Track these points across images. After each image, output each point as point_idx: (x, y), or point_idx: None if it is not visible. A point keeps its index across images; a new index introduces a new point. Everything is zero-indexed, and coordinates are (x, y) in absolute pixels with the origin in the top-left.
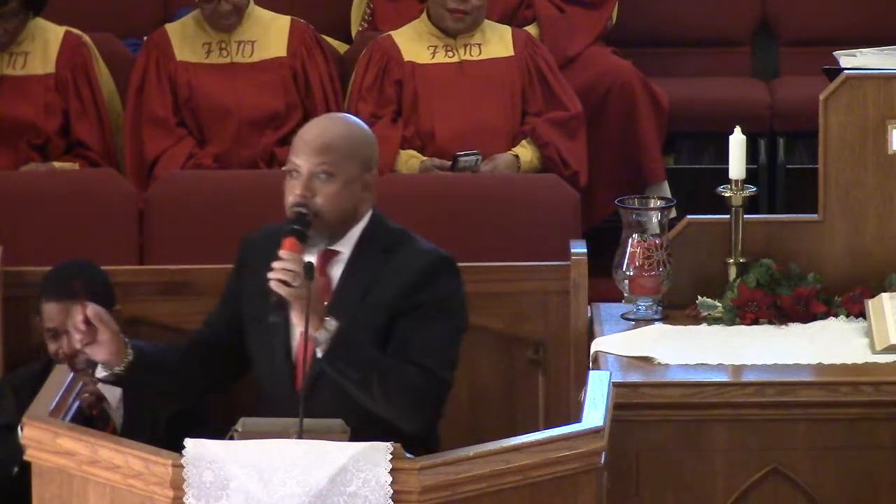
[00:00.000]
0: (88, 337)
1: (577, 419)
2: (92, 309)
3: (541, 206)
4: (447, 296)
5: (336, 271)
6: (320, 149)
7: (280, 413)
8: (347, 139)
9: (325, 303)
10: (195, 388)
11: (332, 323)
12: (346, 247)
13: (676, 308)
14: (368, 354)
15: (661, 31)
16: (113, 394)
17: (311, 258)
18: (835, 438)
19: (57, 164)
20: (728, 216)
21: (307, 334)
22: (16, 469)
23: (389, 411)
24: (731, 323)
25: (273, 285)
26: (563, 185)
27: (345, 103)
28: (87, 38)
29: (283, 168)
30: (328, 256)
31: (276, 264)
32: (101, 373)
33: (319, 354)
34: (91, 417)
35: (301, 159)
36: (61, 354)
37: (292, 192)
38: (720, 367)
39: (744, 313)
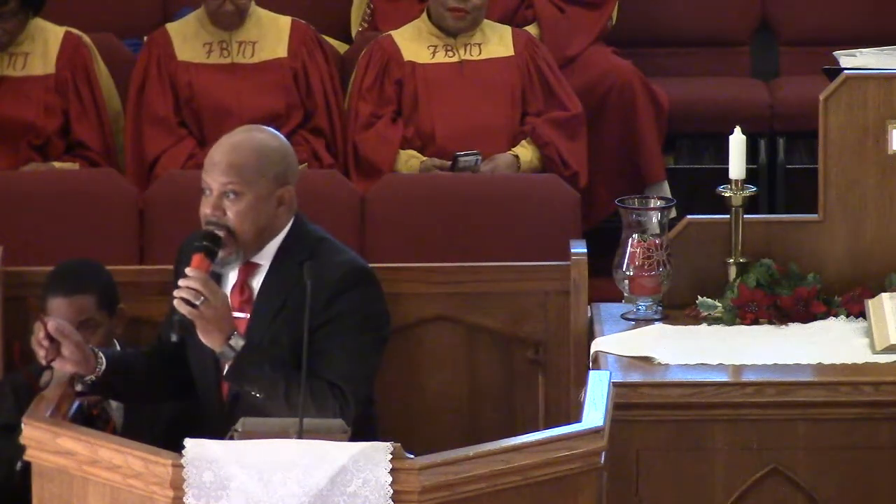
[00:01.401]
0: (52, 353)
1: (577, 419)
2: (53, 323)
3: (541, 206)
4: (359, 308)
5: (257, 283)
6: (227, 168)
7: (210, 424)
8: (257, 157)
9: (246, 315)
10: (166, 393)
11: (238, 341)
12: (266, 259)
13: (676, 308)
14: (274, 371)
15: (661, 31)
16: None
17: (234, 272)
18: (835, 438)
19: (57, 165)
20: (728, 216)
21: (218, 352)
22: (20, 464)
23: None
24: (731, 323)
25: (176, 304)
26: (563, 185)
27: (345, 103)
28: (86, 38)
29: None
30: (249, 269)
31: (181, 282)
32: (77, 385)
33: (225, 370)
34: (91, 417)
35: (211, 178)
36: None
37: (203, 209)
38: (720, 367)
39: (744, 313)
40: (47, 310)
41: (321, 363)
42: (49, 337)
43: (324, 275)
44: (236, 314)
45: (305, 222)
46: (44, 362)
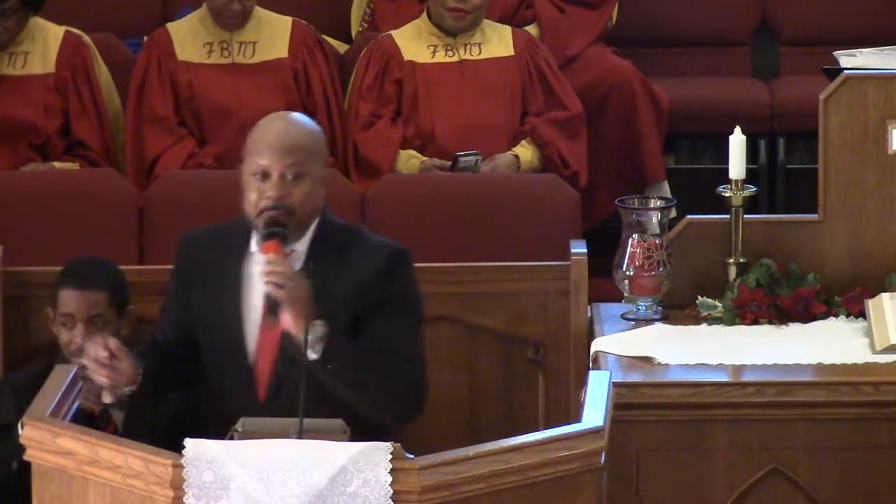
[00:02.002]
0: (114, 373)
1: (577, 419)
2: (113, 342)
3: (541, 206)
4: (409, 287)
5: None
6: (290, 149)
7: (233, 418)
8: (309, 138)
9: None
10: (173, 391)
11: (319, 324)
12: (301, 245)
13: (676, 308)
14: (360, 353)
15: (661, 31)
16: None
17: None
18: (835, 438)
19: (57, 165)
20: (728, 216)
21: (306, 336)
22: (15, 464)
23: (380, 408)
24: (731, 323)
25: (269, 289)
26: (563, 185)
27: (345, 103)
28: (86, 37)
29: (248, 170)
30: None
31: (265, 267)
32: (108, 398)
33: (314, 356)
34: (92, 416)
35: (269, 160)
36: (73, 345)
37: (262, 194)
38: (720, 367)
39: (744, 313)
40: (58, 302)
41: (386, 345)
42: (111, 354)
43: (367, 259)
44: None
45: (327, 207)
46: (107, 382)
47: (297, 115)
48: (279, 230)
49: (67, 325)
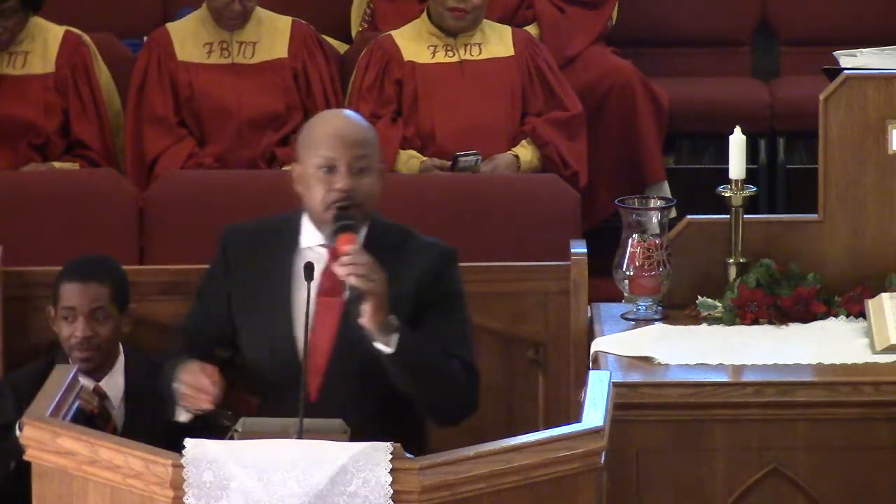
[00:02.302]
0: (209, 397)
1: (577, 419)
2: (210, 368)
3: (541, 206)
4: (459, 285)
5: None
6: (358, 142)
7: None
8: (370, 131)
9: (338, 299)
10: None
11: (393, 317)
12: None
13: (676, 308)
14: (431, 350)
15: (661, 31)
16: (115, 392)
17: (324, 254)
18: (835, 438)
19: (57, 165)
20: (728, 216)
21: (381, 330)
22: (13, 464)
23: (441, 406)
24: (731, 323)
25: (355, 281)
26: (563, 185)
27: (345, 103)
28: (86, 37)
29: (313, 163)
30: (334, 250)
31: (349, 259)
32: (184, 415)
33: (389, 350)
34: (92, 416)
35: (337, 153)
36: (73, 339)
37: (330, 186)
38: (720, 367)
39: (744, 313)
40: (60, 296)
41: (447, 342)
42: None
43: (421, 257)
44: (327, 298)
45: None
46: (210, 406)
47: (351, 112)
48: (351, 223)
49: (69, 319)
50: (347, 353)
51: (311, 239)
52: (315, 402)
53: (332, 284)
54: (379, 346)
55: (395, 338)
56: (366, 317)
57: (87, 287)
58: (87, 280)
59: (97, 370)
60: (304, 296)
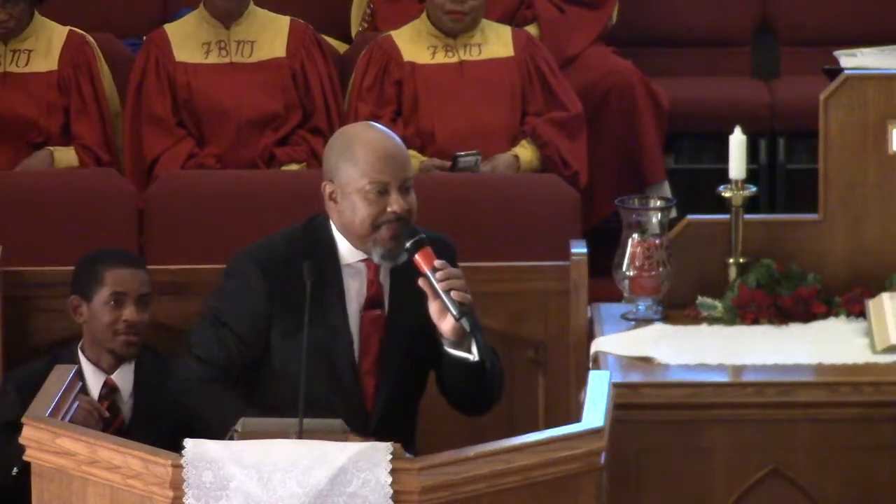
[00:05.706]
0: None
1: (577, 419)
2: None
3: (541, 206)
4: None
5: (384, 279)
6: (405, 162)
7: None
8: (405, 147)
9: (380, 312)
10: None
11: (466, 324)
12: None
13: (676, 308)
14: (487, 351)
15: (661, 31)
16: (125, 386)
17: (363, 270)
18: (835, 438)
19: (56, 154)
20: (728, 216)
21: (477, 335)
22: (15, 469)
23: (485, 398)
24: (731, 323)
25: (457, 296)
26: (563, 185)
27: (344, 103)
28: (90, 37)
29: (359, 185)
30: (376, 267)
31: (445, 275)
32: None
33: (474, 358)
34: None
35: (390, 174)
36: (121, 323)
37: (381, 208)
38: (720, 367)
39: (744, 313)
40: (103, 282)
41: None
42: None
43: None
44: (370, 312)
45: None
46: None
47: (383, 126)
48: (424, 237)
49: (117, 304)
50: (391, 365)
51: (350, 255)
52: (370, 410)
53: (375, 298)
54: (461, 354)
55: (473, 345)
56: (449, 327)
57: (136, 273)
58: (136, 266)
59: (124, 360)
60: (355, 309)
